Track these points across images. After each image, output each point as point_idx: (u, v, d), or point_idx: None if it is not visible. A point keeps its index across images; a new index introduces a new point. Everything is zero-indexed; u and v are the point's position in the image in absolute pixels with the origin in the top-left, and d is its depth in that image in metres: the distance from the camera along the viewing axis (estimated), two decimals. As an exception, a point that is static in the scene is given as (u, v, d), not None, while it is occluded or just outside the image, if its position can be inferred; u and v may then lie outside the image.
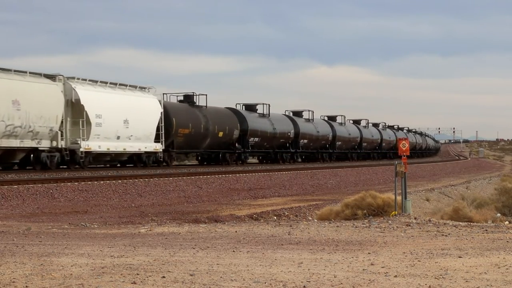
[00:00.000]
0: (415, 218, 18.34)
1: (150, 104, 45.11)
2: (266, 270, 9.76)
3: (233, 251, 11.81)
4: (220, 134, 52.73)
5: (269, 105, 62.32)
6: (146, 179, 32.12)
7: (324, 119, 77.99)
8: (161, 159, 45.35)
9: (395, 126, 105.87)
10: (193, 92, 52.63)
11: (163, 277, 9.24)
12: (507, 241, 13.24)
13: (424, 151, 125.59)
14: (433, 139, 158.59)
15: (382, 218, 19.15)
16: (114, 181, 30.27)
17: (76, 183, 28.48)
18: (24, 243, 13.14)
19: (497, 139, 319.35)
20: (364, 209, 20.71)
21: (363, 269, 9.82)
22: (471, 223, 18.02)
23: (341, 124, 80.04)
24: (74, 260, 10.72)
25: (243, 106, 61.03)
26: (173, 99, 52.37)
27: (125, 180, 31.08)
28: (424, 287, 8.64)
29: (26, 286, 8.69)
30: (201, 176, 35.20)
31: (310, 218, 21.36)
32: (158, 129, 45.21)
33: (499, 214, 23.99)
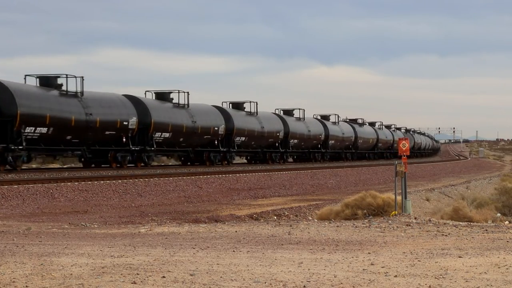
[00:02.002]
0: (415, 218, 18.33)
1: None
2: (266, 270, 9.76)
3: (233, 251, 11.81)
4: None
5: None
6: (146, 179, 32.11)
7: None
8: None
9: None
10: None
11: (163, 277, 9.24)
12: (507, 241, 13.24)
13: (423, 151, 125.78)
14: (433, 139, 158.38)
15: (382, 218, 19.14)
16: (114, 181, 30.26)
17: (76, 183, 28.48)
18: (24, 243, 13.14)
19: (497, 139, 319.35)
20: (364, 209, 20.70)
21: (363, 269, 9.83)
22: (471, 223, 18.01)
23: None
24: (74, 260, 10.72)
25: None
26: None
27: (125, 180, 31.08)
28: (424, 287, 8.64)
29: (26, 286, 8.69)
30: (201, 176, 35.21)
31: (310, 218, 21.34)
32: None
33: (499, 214, 24.01)
